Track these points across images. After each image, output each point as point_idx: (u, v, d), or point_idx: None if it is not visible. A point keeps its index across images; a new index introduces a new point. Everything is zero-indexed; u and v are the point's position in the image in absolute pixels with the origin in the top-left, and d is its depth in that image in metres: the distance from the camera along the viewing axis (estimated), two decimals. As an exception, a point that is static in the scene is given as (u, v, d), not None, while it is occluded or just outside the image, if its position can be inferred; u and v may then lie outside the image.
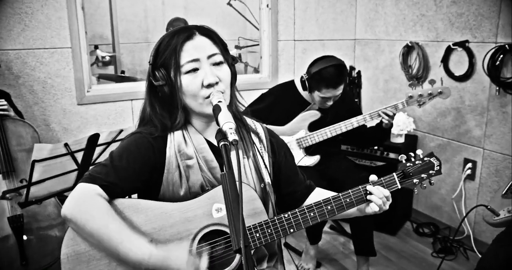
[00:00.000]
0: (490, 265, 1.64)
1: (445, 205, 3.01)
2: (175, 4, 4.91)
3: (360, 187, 1.28)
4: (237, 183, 0.90)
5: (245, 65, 4.35)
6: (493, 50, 2.50)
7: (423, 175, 1.36)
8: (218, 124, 1.06)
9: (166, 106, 1.25)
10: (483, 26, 2.61)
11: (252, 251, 1.22)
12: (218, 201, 1.18)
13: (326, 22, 3.49)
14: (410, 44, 3.06)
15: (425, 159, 1.38)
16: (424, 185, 1.38)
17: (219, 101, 1.12)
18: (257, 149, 1.34)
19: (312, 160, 2.57)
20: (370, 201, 1.27)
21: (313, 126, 2.54)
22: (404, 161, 1.37)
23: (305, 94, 2.57)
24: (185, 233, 1.17)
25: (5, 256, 2.06)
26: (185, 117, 1.26)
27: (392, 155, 2.94)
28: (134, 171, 1.19)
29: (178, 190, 1.23)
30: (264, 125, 1.44)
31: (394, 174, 1.33)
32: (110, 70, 4.56)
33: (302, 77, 2.45)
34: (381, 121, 2.45)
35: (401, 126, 2.91)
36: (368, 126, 2.60)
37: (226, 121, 1.03)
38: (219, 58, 1.20)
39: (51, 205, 2.19)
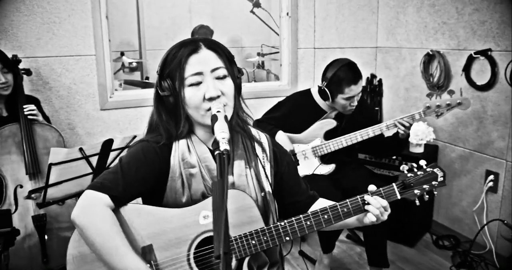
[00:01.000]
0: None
1: (466, 218, 2.93)
2: (201, 12, 5.01)
3: (358, 196, 1.28)
4: (225, 190, 0.92)
5: (267, 72, 4.39)
6: (515, 59, 2.44)
7: (425, 186, 1.34)
8: (213, 133, 1.09)
9: (172, 116, 1.28)
10: (506, 34, 2.54)
11: (247, 259, 1.23)
12: (208, 208, 1.21)
13: (346, 30, 3.48)
14: (431, 53, 3.01)
15: (428, 169, 1.36)
16: (427, 196, 1.36)
17: (217, 112, 1.15)
18: (259, 158, 1.36)
19: (327, 169, 2.56)
20: (368, 211, 1.27)
21: (329, 135, 2.54)
22: (405, 171, 1.35)
23: (321, 102, 2.58)
24: (183, 238, 1.20)
25: (28, 253, 2.17)
26: (189, 127, 1.30)
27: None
28: (141, 178, 1.23)
29: (180, 197, 1.26)
30: (268, 136, 1.45)
31: (394, 184, 1.32)
32: (137, 76, 4.70)
33: (320, 87, 2.46)
34: (397, 131, 2.42)
35: (421, 136, 2.86)
36: (385, 136, 2.57)
37: (220, 131, 1.06)
38: (222, 72, 1.23)
39: (73, 207, 2.28)
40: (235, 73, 1.28)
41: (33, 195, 2.16)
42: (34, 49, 2.75)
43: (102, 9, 2.84)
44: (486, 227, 2.69)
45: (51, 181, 1.74)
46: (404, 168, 1.36)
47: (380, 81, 3.58)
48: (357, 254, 2.89)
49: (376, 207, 1.24)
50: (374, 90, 3.59)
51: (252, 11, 4.18)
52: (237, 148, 1.34)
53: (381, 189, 1.30)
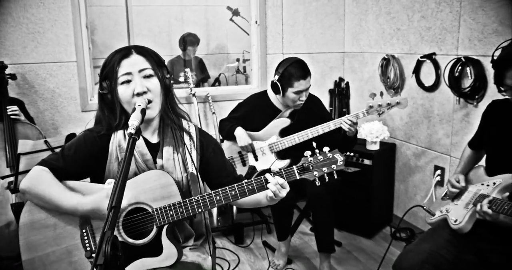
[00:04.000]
0: (407, 262, 1.78)
1: (420, 211, 3.12)
2: (188, 20, 5.28)
3: (262, 176, 1.50)
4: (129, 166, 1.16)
5: (246, 77, 4.63)
6: (452, 62, 2.65)
7: (324, 169, 1.52)
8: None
9: (112, 110, 1.55)
10: (446, 39, 2.76)
11: (166, 227, 1.46)
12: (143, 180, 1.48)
13: (314, 36, 3.71)
14: (387, 57, 3.23)
15: (329, 154, 1.54)
16: (326, 178, 1.55)
17: (138, 105, 1.40)
18: (187, 146, 1.60)
19: (283, 164, 2.78)
20: (269, 189, 1.49)
21: (285, 133, 2.77)
22: (308, 156, 1.55)
23: (276, 102, 2.81)
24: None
25: (7, 240, 2.41)
26: (125, 120, 1.55)
27: (366, 161, 3.09)
28: (79, 159, 1.51)
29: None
30: (198, 127, 1.70)
31: (294, 166, 1.53)
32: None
33: (272, 81, 2.70)
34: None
35: (375, 134, 3.07)
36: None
37: (133, 119, 1.30)
38: (149, 72, 1.48)
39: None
40: (163, 74, 1.53)
41: (12, 186, 2.42)
42: (20, 56, 3.03)
43: (82, 20, 3.11)
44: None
45: (20, 170, 1.99)
46: (307, 153, 1.56)
47: (347, 84, 3.80)
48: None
49: (273, 183, 1.46)
50: (342, 92, 3.81)
51: (231, 20, 4.43)
52: (166, 136, 1.59)
53: (282, 169, 1.52)
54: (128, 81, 1.47)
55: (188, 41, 4.80)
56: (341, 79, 3.84)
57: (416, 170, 3.16)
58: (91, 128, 1.59)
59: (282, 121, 2.77)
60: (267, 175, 1.48)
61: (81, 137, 1.56)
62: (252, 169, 2.83)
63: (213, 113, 3.45)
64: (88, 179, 1.61)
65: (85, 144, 1.53)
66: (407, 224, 3.26)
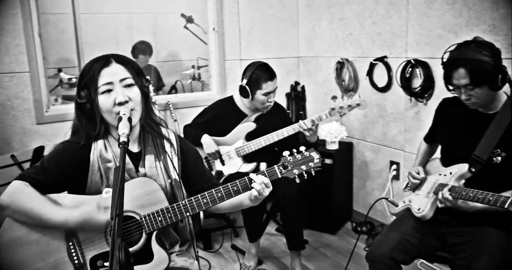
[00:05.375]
0: (379, 250, 1.92)
1: (378, 205, 3.30)
2: (140, 28, 5.22)
3: (245, 177, 1.56)
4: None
5: (202, 83, 4.66)
6: (403, 64, 2.85)
7: (302, 167, 1.60)
8: (117, 129, 1.35)
9: (90, 120, 1.53)
10: (396, 43, 2.96)
11: (155, 233, 1.48)
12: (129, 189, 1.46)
13: (270, 42, 3.83)
14: (341, 60, 3.41)
15: (306, 153, 1.63)
16: (305, 176, 1.64)
17: (123, 114, 1.41)
18: (168, 153, 1.63)
19: (249, 167, 2.85)
20: (254, 189, 1.55)
21: (250, 137, 2.83)
22: (287, 156, 1.63)
23: (242, 107, 2.88)
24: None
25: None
26: (105, 129, 1.55)
27: (327, 161, 3.23)
28: (60, 171, 1.48)
29: (100, 187, 1.51)
30: (177, 133, 1.73)
31: (275, 166, 1.60)
32: (77, 91, 4.82)
33: (241, 85, 2.76)
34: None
35: (334, 134, 3.22)
36: None
37: (122, 128, 1.32)
38: (130, 81, 1.49)
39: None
40: (142, 83, 1.55)
41: None
42: (-33, 67, 2.88)
43: (34, 28, 3.01)
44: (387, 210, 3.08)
45: (-15, 186, 1.90)
46: (286, 153, 1.64)
47: (303, 87, 3.94)
48: (284, 244, 3.18)
49: (258, 182, 1.52)
50: (298, 96, 3.95)
51: (185, 27, 4.45)
52: (147, 145, 1.60)
53: (264, 170, 1.59)
54: (109, 91, 1.47)
55: (140, 49, 4.76)
56: (297, 83, 3.97)
57: (372, 166, 3.34)
58: (69, 139, 1.56)
59: (248, 126, 2.84)
60: (252, 175, 1.54)
61: (60, 148, 1.52)
62: (219, 174, 2.88)
63: (175, 120, 3.45)
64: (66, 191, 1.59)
65: (65, 155, 1.50)
66: (367, 217, 3.43)
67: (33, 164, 2.01)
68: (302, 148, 1.65)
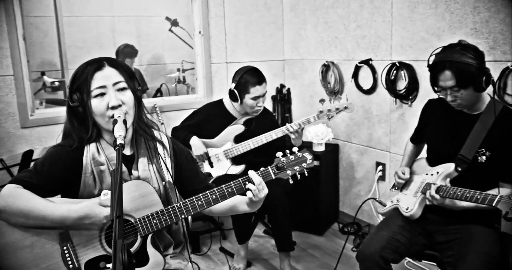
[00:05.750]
0: (369, 249, 1.95)
1: (365, 205, 3.35)
2: (123, 31, 5.19)
3: (240, 179, 1.57)
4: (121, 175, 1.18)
5: (187, 86, 4.66)
6: (388, 66, 2.91)
7: (296, 167, 1.62)
8: (113, 132, 1.34)
9: (82, 123, 1.53)
10: (381, 46, 3.02)
11: (150, 236, 1.48)
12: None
13: (256, 45, 3.85)
14: (327, 63, 3.46)
15: (298, 154, 1.64)
16: (299, 177, 1.66)
17: (118, 117, 1.41)
18: (161, 155, 1.63)
19: (238, 169, 2.86)
20: (248, 190, 1.55)
21: (239, 139, 2.85)
22: (280, 157, 1.65)
23: (232, 110, 2.89)
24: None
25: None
26: (97, 132, 1.55)
27: (314, 162, 3.25)
28: (53, 175, 1.47)
29: (93, 190, 1.50)
30: (169, 136, 1.73)
31: (269, 167, 1.61)
32: (60, 95, 4.76)
33: (230, 89, 2.78)
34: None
35: (321, 136, 3.26)
36: None
37: (118, 130, 1.32)
38: (123, 85, 1.49)
39: None
40: (135, 86, 1.55)
41: None
42: (-51, 71, 2.82)
43: (19, 31, 2.97)
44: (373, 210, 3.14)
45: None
46: (279, 154, 1.65)
47: (288, 90, 3.98)
48: (272, 246, 3.21)
49: (257, 183, 1.53)
50: (283, 98, 3.98)
51: (170, 30, 4.44)
52: (140, 148, 1.60)
53: (259, 171, 1.60)
54: (102, 94, 1.46)
55: (126, 52, 4.73)
56: (282, 86, 4.01)
57: (358, 168, 3.39)
58: (61, 143, 1.55)
59: (236, 128, 2.85)
60: (251, 172, 1.55)
61: (53, 152, 1.52)
62: (208, 176, 2.88)
63: (162, 123, 3.44)
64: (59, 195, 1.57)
65: (58, 159, 1.49)
66: (352, 218, 3.47)
67: (22, 168, 1.98)
68: (295, 149, 1.67)
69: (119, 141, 1.27)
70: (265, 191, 1.56)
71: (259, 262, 3.01)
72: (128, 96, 1.50)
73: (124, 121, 1.40)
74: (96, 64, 1.48)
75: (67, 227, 1.42)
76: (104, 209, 1.38)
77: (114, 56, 4.72)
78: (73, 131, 1.53)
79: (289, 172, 1.62)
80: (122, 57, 4.67)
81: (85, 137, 1.52)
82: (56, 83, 4.66)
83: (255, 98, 2.72)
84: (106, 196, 1.36)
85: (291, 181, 1.64)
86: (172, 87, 4.69)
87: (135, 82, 1.55)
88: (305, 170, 1.66)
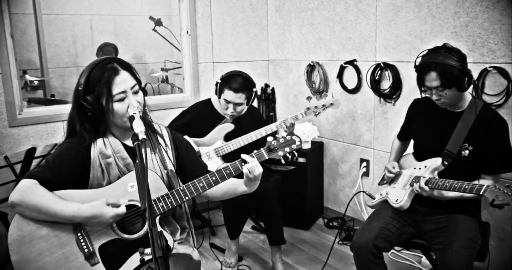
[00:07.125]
0: (363, 238, 2.07)
1: (348, 200, 3.49)
2: (103, 29, 5.16)
3: (236, 161, 1.66)
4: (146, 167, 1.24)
5: (171, 86, 4.69)
6: (372, 67, 3.05)
7: (286, 148, 1.73)
8: (132, 129, 1.42)
9: (91, 122, 1.61)
10: (365, 47, 3.16)
11: (158, 217, 1.56)
12: (130, 181, 1.55)
13: (241, 46, 3.93)
14: (312, 63, 3.57)
15: (287, 137, 1.75)
16: (296, 157, 1.76)
17: (134, 113, 1.49)
18: (162, 146, 1.72)
19: (230, 166, 2.93)
20: (245, 167, 1.63)
21: (229, 137, 2.92)
22: (271, 140, 1.74)
23: (220, 108, 2.96)
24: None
25: None
26: (105, 129, 1.63)
27: (301, 159, 3.38)
28: (64, 170, 1.55)
29: (101, 182, 1.60)
30: (169, 128, 1.82)
31: (262, 149, 1.71)
32: (39, 94, 4.69)
33: (216, 81, 2.86)
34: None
35: (307, 134, 3.37)
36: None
37: (138, 126, 1.40)
38: (137, 88, 1.60)
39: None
40: (141, 85, 1.64)
41: None
42: None
43: (6, 28, 2.94)
44: (363, 204, 3.28)
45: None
46: (270, 138, 1.75)
47: (273, 89, 4.08)
48: (261, 241, 3.30)
49: (251, 161, 1.63)
50: (268, 98, 4.08)
51: (154, 29, 4.46)
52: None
53: (253, 153, 1.69)
54: (123, 99, 1.55)
55: (106, 51, 4.70)
56: (266, 85, 4.10)
57: (342, 164, 3.53)
58: (71, 140, 1.63)
59: (226, 126, 2.92)
60: (243, 155, 1.66)
61: (63, 148, 1.61)
62: (199, 174, 2.94)
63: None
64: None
65: (69, 154, 1.58)
66: (338, 213, 3.62)
67: (25, 166, 2.00)
68: (284, 133, 1.78)
69: (141, 136, 1.36)
70: (259, 168, 1.66)
71: (250, 256, 3.09)
72: (141, 97, 1.62)
73: (141, 117, 1.50)
74: (112, 70, 1.55)
75: (77, 223, 1.50)
76: (110, 210, 1.48)
77: (93, 55, 4.71)
78: (83, 129, 1.61)
79: (280, 153, 1.73)
80: (102, 55, 4.64)
81: (93, 134, 1.61)
82: (36, 82, 4.59)
83: (226, 101, 2.81)
84: (133, 188, 1.43)
85: (283, 161, 1.74)
86: (155, 86, 4.71)
87: (140, 80, 1.64)
88: (294, 151, 1.76)
